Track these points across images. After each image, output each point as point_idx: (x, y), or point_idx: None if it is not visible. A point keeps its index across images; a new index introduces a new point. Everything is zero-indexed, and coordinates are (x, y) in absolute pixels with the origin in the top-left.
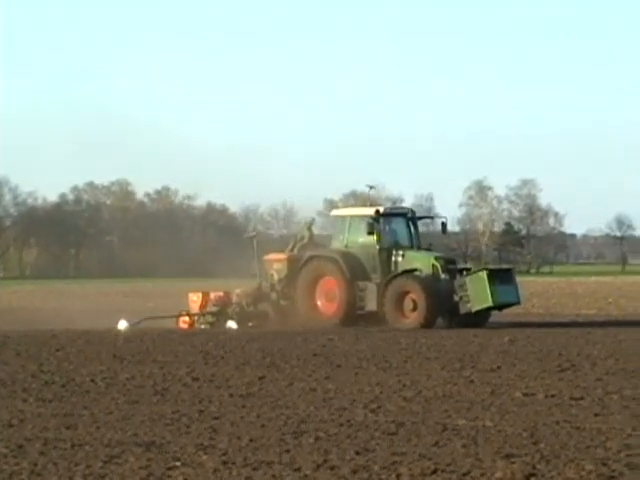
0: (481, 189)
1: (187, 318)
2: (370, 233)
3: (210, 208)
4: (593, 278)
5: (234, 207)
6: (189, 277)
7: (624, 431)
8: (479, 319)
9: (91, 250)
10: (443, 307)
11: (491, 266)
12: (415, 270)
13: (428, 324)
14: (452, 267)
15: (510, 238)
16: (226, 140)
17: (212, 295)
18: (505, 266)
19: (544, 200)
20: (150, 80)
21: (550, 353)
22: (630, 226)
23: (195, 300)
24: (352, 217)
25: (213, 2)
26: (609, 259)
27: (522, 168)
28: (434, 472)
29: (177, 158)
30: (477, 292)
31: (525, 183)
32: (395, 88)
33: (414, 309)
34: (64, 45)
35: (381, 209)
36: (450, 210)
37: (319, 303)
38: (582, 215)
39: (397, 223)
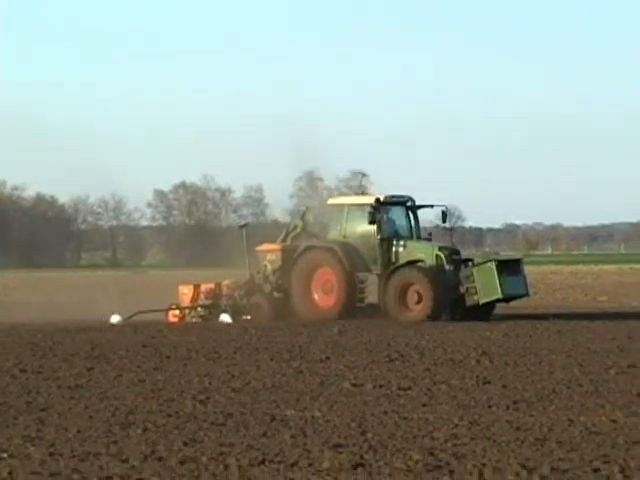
0: (311, 180)
1: (177, 312)
2: (372, 222)
3: (39, 199)
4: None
5: (63, 198)
6: (17, 268)
7: (451, 421)
8: (484, 312)
9: None
10: (448, 299)
11: (499, 256)
12: (419, 261)
13: (434, 317)
14: (456, 258)
15: None
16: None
17: (202, 287)
18: (514, 256)
19: (374, 191)
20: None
21: (379, 344)
22: (460, 217)
23: (186, 293)
24: (350, 206)
25: None
26: None
27: (353, 159)
28: (262, 462)
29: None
30: (485, 284)
31: (355, 175)
32: (216, 77)
33: (419, 301)
34: None
35: (381, 197)
36: (280, 201)
37: (316, 296)
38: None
39: (396, 212)
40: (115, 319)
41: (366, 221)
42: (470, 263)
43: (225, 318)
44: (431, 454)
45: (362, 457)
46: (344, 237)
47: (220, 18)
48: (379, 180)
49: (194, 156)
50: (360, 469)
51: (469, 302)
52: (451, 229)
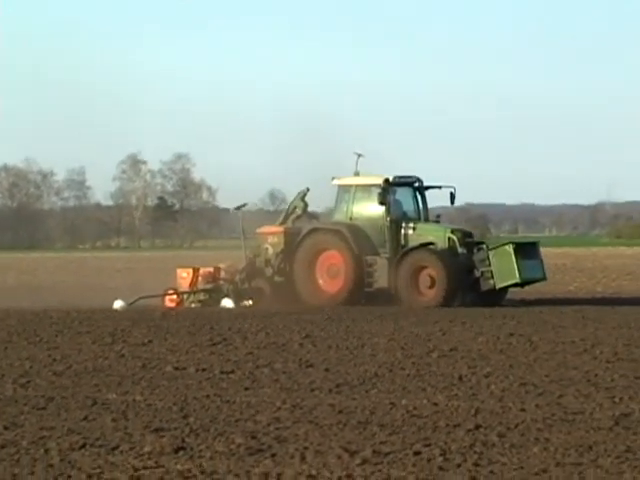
0: (135, 163)
1: (175, 297)
2: (382, 203)
3: None
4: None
5: None
6: None
7: (274, 404)
8: (496, 297)
9: None
10: (463, 283)
11: (517, 239)
12: (430, 244)
13: (447, 302)
14: (469, 240)
15: (163, 212)
16: None
17: (201, 271)
18: (531, 239)
19: (197, 174)
20: None
21: (202, 327)
22: (284, 200)
23: (185, 277)
24: (357, 186)
25: None
26: None
27: (176, 142)
28: (83, 446)
29: None
30: (502, 267)
31: (179, 157)
32: (33, 56)
33: (432, 286)
34: None
35: (390, 177)
36: (104, 184)
37: (320, 281)
38: (235, 189)
39: (404, 193)
40: (118, 304)
41: (373, 202)
42: (484, 246)
43: (227, 303)
44: (253, 437)
45: (184, 440)
46: (350, 219)
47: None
48: (201, 161)
49: (15, 138)
50: (182, 453)
51: (484, 287)
52: (275, 212)
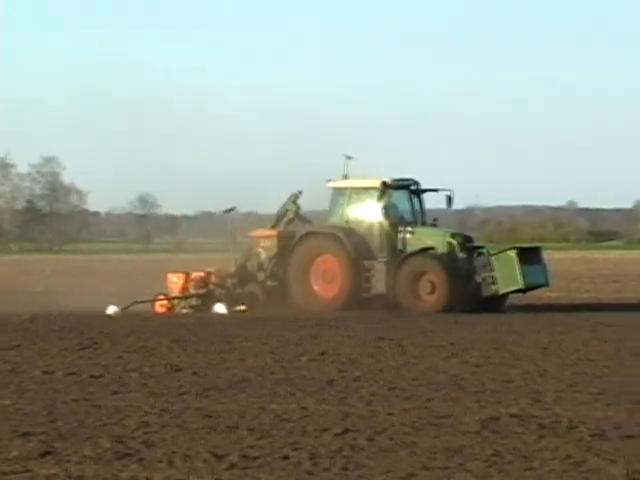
0: (3, 166)
1: (165, 302)
2: (381, 207)
3: None
4: (116, 256)
5: None
6: None
7: (142, 409)
8: (496, 302)
9: None
10: (464, 289)
11: (520, 245)
12: (429, 249)
13: (448, 307)
14: (469, 245)
15: (32, 216)
16: None
17: (193, 276)
18: (534, 245)
19: (67, 178)
20: None
21: (72, 331)
22: (154, 204)
23: (175, 282)
24: (353, 189)
25: None
26: (133, 237)
27: (44, 146)
28: None
29: None
30: (505, 273)
31: (48, 161)
32: None
33: (432, 291)
34: None
35: (388, 180)
36: None
37: (315, 286)
38: (106, 193)
39: (400, 196)
40: (112, 310)
41: (370, 206)
42: (485, 251)
43: (220, 309)
44: (121, 442)
45: (51, 445)
46: (346, 222)
47: None
48: (71, 165)
49: None
50: (49, 457)
51: (486, 292)
52: (145, 216)
